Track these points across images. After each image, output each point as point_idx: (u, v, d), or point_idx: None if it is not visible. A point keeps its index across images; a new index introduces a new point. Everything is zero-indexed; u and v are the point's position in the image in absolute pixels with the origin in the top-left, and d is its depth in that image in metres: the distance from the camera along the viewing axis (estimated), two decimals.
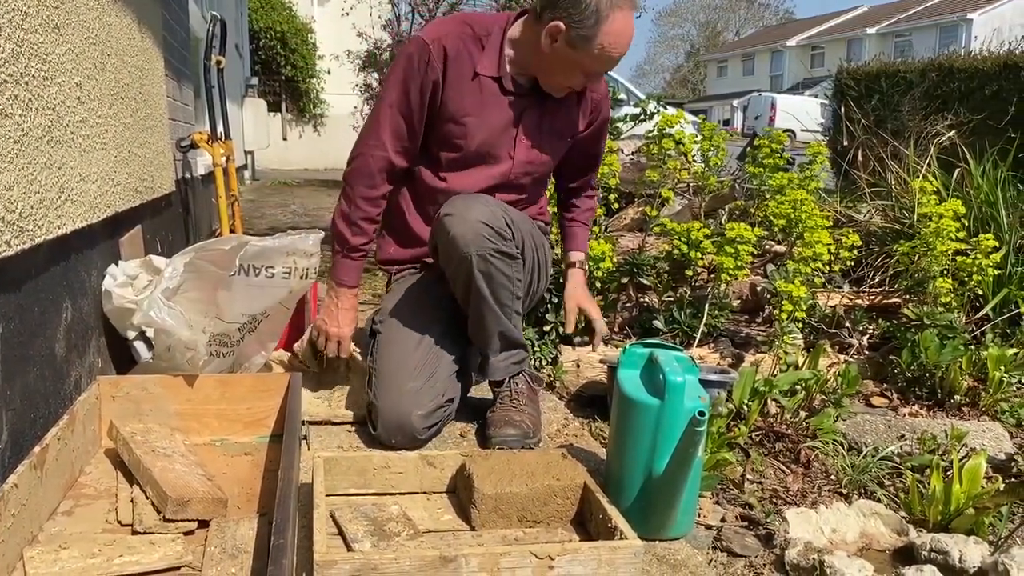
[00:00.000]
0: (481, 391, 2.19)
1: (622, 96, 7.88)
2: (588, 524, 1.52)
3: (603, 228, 3.14)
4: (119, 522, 1.41)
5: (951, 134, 3.86)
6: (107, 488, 1.54)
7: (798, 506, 1.74)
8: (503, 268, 1.86)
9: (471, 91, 1.96)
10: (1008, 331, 2.77)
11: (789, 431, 2.09)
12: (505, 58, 1.96)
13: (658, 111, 3.52)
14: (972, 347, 2.58)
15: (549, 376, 2.50)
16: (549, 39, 1.85)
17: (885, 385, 2.60)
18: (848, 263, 2.87)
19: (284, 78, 12.58)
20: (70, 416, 1.54)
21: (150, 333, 1.87)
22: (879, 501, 1.79)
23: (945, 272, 2.77)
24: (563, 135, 2.09)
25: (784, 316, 2.50)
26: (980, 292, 2.86)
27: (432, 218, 1.95)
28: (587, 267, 2.36)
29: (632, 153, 3.58)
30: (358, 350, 2.09)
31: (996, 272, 2.80)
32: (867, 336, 2.87)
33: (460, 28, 1.96)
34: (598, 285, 2.69)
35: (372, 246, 2.06)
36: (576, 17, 1.79)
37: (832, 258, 2.67)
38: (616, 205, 3.18)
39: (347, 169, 2.01)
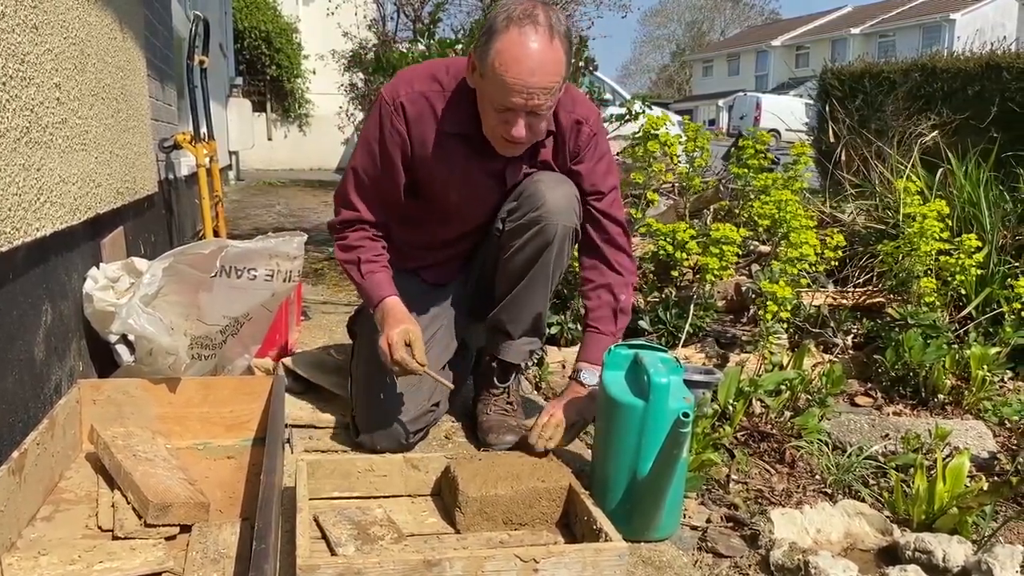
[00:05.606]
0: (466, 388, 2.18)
1: (608, 96, 7.89)
2: (573, 526, 1.52)
3: None
4: (100, 528, 1.39)
5: (934, 134, 3.89)
6: (87, 493, 1.52)
7: (783, 506, 1.74)
8: (569, 250, 1.89)
9: (440, 153, 1.80)
10: (991, 330, 2.78)
11: (774, 431, 2.09)
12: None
13: (643, 111, 3.51)
14: (955, 346, 2.59)
15: (535, 377, 2.49)
16: (469, 73, 1.68)
17: (869, 384, 2.61)
18: (833, 263, 2.88)
19: (269, 78, 12.52)
20: (50, 420, 1.52)
21: (132, 336, 1.85)
22: (864, 501, 1.80)
23: (929, 272, 2.79)
24: None
25: (769, 316, 2.51)
26: (963, 291, 2.87)
27: (415, 253, 1.99)
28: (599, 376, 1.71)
29: (617, 154, 3.57)
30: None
31: (979, 271, 2.82)
32: (851, 336, 2.88)
33: (425, 85, 1.78)
34: None
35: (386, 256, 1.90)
36: (480, 39, 1.63)
37: (817, 258, 2.68)
38: None
39: (335, 247, 1.89)
